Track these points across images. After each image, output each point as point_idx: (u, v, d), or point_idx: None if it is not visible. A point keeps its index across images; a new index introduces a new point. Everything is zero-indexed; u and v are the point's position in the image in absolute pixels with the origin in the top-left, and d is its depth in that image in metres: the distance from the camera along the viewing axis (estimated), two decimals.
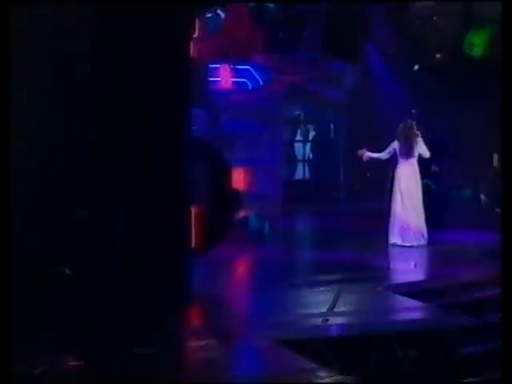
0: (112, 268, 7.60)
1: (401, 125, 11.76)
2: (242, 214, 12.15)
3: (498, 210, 13.14)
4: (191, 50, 8.35)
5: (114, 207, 7.54)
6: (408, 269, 10.62)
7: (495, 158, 14.67)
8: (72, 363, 5.76)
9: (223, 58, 12.71)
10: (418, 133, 11.78)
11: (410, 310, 8.18)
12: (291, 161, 16.54)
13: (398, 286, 9.38)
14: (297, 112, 16.46)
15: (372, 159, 12.35)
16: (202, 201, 8.70)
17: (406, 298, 8.59)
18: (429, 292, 8.93)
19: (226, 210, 9.61)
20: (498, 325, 6.94)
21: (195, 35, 8.46)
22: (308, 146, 17.19)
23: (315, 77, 14.31)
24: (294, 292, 9.04)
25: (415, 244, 11.75)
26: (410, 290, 8.95)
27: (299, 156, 17.09)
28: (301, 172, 17.11)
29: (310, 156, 17.29)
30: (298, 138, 17.07)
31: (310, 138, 17.31)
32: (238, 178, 13.36)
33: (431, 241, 12.14)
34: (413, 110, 12.86)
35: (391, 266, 10.93)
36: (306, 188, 16.49)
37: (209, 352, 6.52)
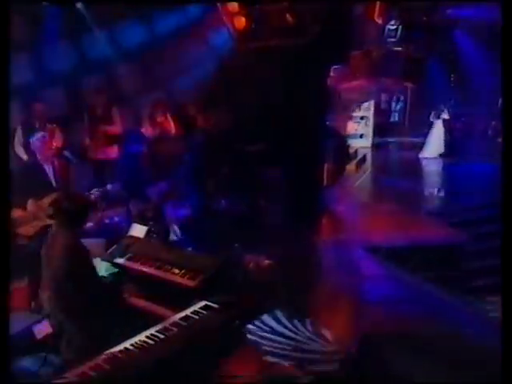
0: (283, 198, 7.86)
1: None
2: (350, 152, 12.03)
3: (498, 139, 12.54)
4: (328, 81, 8.87)
5: (292, 165, 7.78)
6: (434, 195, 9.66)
7: (499, 102, 13.59)
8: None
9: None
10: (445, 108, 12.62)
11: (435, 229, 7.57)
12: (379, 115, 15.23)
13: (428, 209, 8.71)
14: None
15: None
16: (330, 159, 8.90)
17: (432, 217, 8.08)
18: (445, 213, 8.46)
19: (342, 161, 9.71)
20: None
21: (331, 74, 9.16)
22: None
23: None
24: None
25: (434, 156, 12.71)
26: (435, 211, 8.52)
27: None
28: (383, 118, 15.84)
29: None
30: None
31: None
32: (352, 127, 13.90)
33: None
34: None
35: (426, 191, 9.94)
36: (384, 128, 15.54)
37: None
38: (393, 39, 10.30)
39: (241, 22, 8.24)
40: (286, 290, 4.64)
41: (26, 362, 3.89)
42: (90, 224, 6.59)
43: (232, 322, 2.90)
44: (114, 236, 5.45)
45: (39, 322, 4.25)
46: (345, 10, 7.62)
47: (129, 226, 5.62)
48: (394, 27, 10.06)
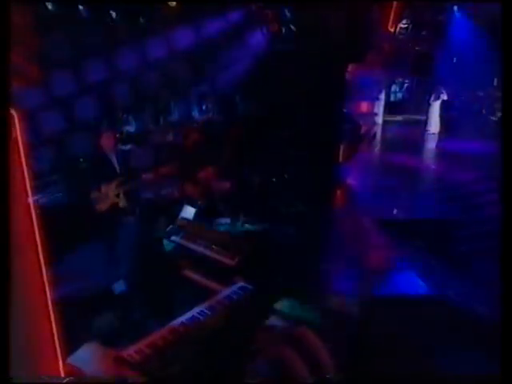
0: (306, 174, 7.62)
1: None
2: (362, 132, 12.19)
3: (491, 117, 12.02)
4: (346, 76, 8.31)
5: (314, 146, 7.49)
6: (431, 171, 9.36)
7: (495, 81, 12.61)
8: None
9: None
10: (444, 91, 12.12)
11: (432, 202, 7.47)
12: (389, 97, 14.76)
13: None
14: None
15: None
16: (345, 140, 8.38)
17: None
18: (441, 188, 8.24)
19: (355, 142, 9.21)
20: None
21: (349, 69, 8.37)
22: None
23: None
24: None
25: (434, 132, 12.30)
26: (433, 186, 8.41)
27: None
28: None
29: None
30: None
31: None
32: (366, 108, 12.80)
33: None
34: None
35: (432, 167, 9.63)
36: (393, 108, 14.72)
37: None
38: (403, 36, 9.92)
39: (274, 26, 8.11)
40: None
41: None
42: (149, 194, 6.92)
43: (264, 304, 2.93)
44: (169, 211, 5.71)
45: (117, 280, 4.59)
46: (361, 18, 7.39)
47: (181, 201, 5.88)
48: (405, 26, 9.70)
